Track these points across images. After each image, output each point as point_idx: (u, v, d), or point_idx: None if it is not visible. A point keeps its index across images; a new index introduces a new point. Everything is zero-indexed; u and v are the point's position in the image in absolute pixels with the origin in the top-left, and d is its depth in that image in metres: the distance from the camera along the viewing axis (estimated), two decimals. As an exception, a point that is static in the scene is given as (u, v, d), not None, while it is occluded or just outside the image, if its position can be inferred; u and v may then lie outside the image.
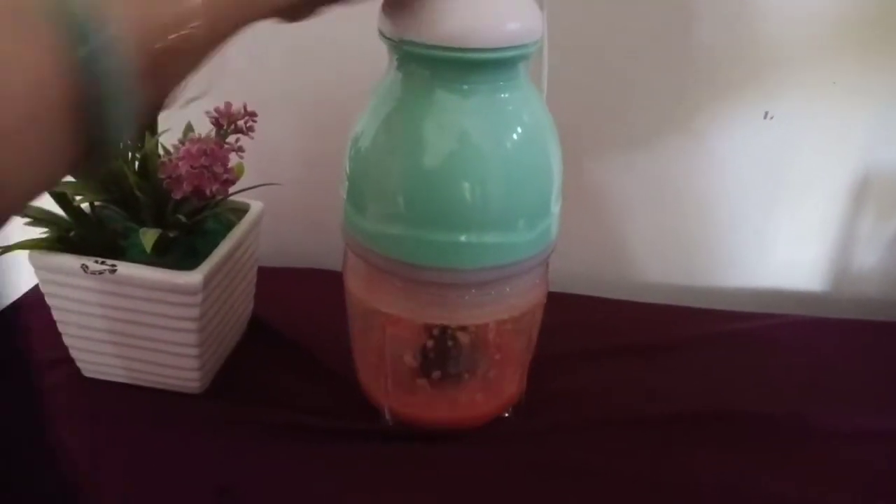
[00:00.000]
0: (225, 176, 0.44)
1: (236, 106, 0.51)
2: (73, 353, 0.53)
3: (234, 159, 0.51)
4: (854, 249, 0.68)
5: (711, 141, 0.65)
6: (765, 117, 0.63)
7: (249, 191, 0.54)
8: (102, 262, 0.47)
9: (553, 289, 0.51)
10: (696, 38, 0.62)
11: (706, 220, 0.69)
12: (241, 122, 0.51)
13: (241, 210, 0.55)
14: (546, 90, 0.48)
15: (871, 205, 0.66)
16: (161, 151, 0.51)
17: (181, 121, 0.53)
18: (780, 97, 0.63)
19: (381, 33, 0.42)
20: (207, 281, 0.47)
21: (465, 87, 0.41)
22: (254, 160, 0.54)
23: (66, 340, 0.52)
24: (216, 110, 0.50)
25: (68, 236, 0.49)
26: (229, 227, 0.54)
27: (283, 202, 0.70)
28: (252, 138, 0.51)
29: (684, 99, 0.64)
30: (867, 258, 0.69)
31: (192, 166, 0.44)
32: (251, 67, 0.62)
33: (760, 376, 0.58)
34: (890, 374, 0.59)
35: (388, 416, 0.51)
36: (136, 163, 0.50)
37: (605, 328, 0.63)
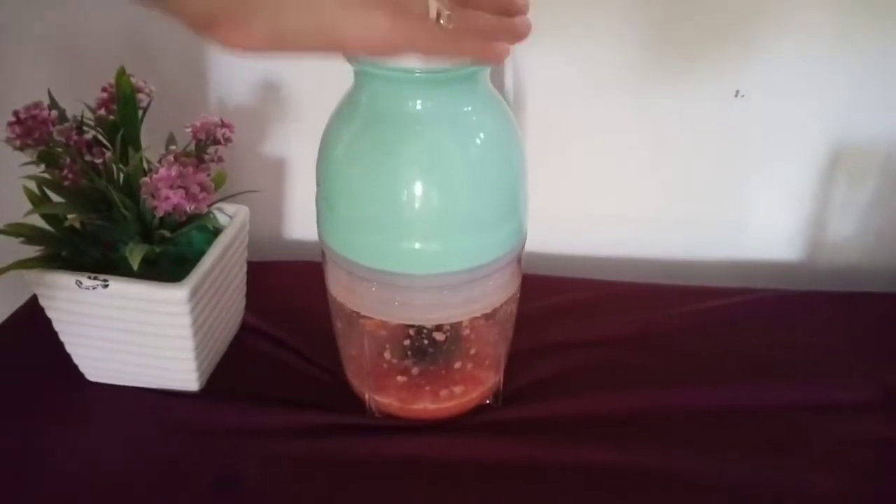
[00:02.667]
0: (201, 195, 0.46)
1: (213, 119, 0.52)
2: (76, 360, 0.55)
3: (216, 167, 0.53)
4: (828, 218, 0.70)
5: (682, 118, 0.66)
6: (736, 95, 0.64)
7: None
8: (95, 278, 0.50)
9: (528, 271, 0.53)
10: (665, 17, 0.62)
11: (681, 194, 0.70)
12: (218, 135, 0.52)
13: (228, 215, 0.58)
14: (513, 93, 0.50)
15: (842, 175, 0.67)
16: (146, 166, 0.53)
17: (165, 128, 0.55)
18: (750, 73, 0.64)
19: (345, 56, 0.43)
20: (194, 292, 0.50)
21: (430, 103, 0.43)
22: (246, 159, 0.55)
23: (68, 348, 0.55)
24: (193, 126, 0.52)
25: (61, 254, 0.51)
26: (217, 232, 0.56)
27: (274, 196, 0.73)
28: (229, 148, 0.53)
29: (655, 75, 0.65)
30: (842, 226, 0.70)
31: (169, 187, 0.46)
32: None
33: (738, 358, 0.60)
34: (864, 344, 0.61)
35: (373, 410, 0.54)
36: (121, 179, 0.52)
37: (581, 311, 0.65)
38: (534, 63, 0.64)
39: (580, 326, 0.63)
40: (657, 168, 0.69)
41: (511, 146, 0.46)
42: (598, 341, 0.61)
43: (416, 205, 0.43)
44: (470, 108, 0.44)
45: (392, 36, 0.34)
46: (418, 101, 0.42)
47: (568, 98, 0.66)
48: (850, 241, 0.70)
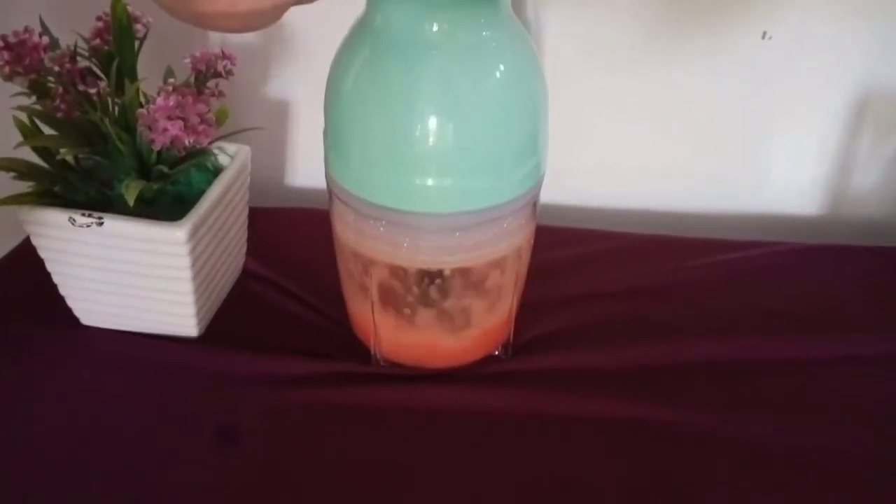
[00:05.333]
0: (201, 127, 0.44)
1: (213, 50, 0.50)
2: (70, 303, 0.53)
3: (217, 103, 0.51)
4: (852, 171, 0.67)
5: (706, 62, 0.63)
6: (763, 37, 0.61)
7: (239, 134, 0.54)
8: (89, 215, 0.47)
9: (541, 221, 0.50)
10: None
11: (700, 145, 0.68)
12: (219, 67, 0.50)
13: (229, 155, 0.55)
14: (535, 23, 0.47)
15: (869, 125, 0.65)
16: (142, 99, 0.50)
17: (162, 64, 0.52)
18: (779, 17, 0.61)
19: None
20: (194, 231, 0.47)
21: (446, 25, 0.40)
22: (247, 101, 0.53)
23: (62, 290, 0.53)
24: (192, 56, 0.49)
25: (54, 190, 0.49)
26: (217, 172, 0.53)
27: (275, 140, 0.70)
28: (231, 81, 0.50)
29: (679, 18, 0.62)
30: (865, 180, 0.68)
31: (168, 118, 0.43)
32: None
33: (756, 311, 0.58)
34: (885, 299, 0.59)
35: (379, 358, 0.52)
36: (117, 112, 0.49)
37: (596, 263, 0.62)
38: (553, 10, 0.61)
39: (595, 278, 0.60)
40: (677, 119, 0.66)
41: (532, 78, 0.43)
42: (612, 293, 0.59)
43: (430, 137, 0.41)
44: (489, 34, 0.41)
45: None
46: (434, 24, 0.39)
47: (586, 44, 0.63)
48: (874, 195, 0.68)
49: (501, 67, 0.42)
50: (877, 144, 0.66)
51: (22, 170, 0.48)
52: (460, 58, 0.40)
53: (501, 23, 0.41)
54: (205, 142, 0.45)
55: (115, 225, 0.47)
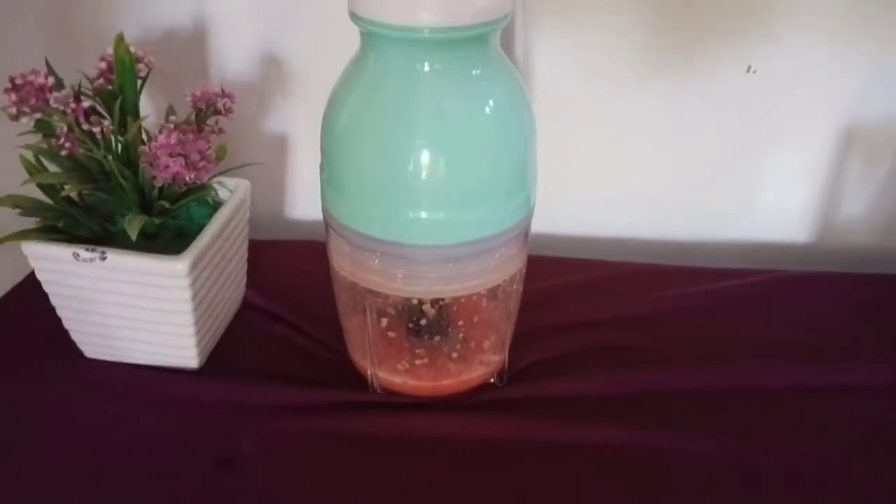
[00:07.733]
0: (201, 164, 0.45)
1: (213, 88, 0.51)
2: (73, 336, 0.54)
3: (217, 140, 0.52)
4: (841, 199, 0.68)
5: (695, 92, 0.64)
6: (748, 71, 0.63)
7: (239, 168, 0.56)
8: (93, 250, 0.49)
9: (535, 252, 0.51)
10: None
11: (691, 174, 0.69)
12: (219, 104, 0.51)
13: (229, 189, 0.56)
14: (522, 58, 0.49)
15: (858, 153, 0.66)
16: (144, 136, 0.52)
17: (163, 103, 0.54)
18: (768, 45, 0.62)
19: (352, 15, 0.42)
20: (194, 265, 0.49)
21: (438, 65, 0.41)
22: (246, 136, 0.54)
23: (66, 324, 0.54)
24: (193, 95, 0.50)
25: (58, 226, 0.50)
26: (217, 206, 0.55)
27: (274, 174, 0.72)
28: (231, 119, 0.52)
29: (667, 50, 0.63)
30: (854, 208, 0.69)
31: (169, 155, 0.44)
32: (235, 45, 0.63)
33: (747, 339, 0.59)
34: (875, 327, 0.60)
35: (376, 387, 0.53)
36: (119, 149, 0.51)
37: (589, 291, 0.63)
38: (542, 42, 0.62)
39: (588, 307, 0.61)
40: (667, 148, 0.68)
41: (521, 113, 0.45)
42: (605, 322, 0.60)
43: (423, 172, 0.42)
44: (479, 72, 0.42)
45: None
46: (426, 63, 0.41)
47: (576, 75, 0.64)
48: (864, 223, 0.69)
49: (491, 103, 0.43)
50: (866, 172, 0.67)
51: (28, 206, 0.50)
52: (451, 95, 0.42)
53: (490, 61, 0.43)
54: (205, 178, 0.46)
55: (118, 259, 0.49)
